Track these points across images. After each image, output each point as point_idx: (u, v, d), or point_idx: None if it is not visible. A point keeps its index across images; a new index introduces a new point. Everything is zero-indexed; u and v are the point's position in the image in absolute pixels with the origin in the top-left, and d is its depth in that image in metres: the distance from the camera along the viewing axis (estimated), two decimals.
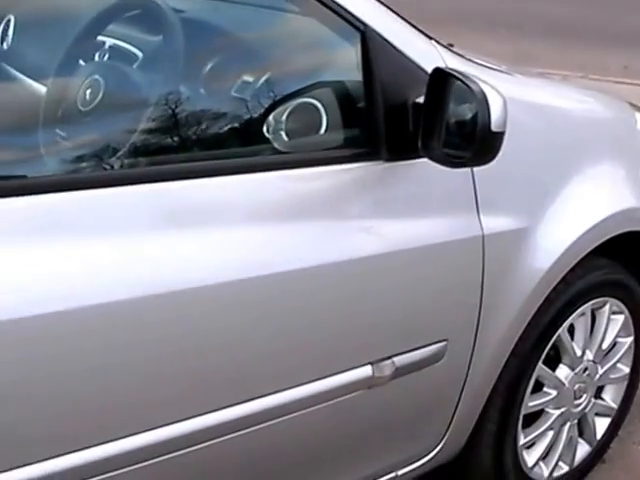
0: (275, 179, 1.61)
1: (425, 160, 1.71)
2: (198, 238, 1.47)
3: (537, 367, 2.14)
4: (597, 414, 2.44)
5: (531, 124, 2.01)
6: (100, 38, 1.98)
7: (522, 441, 2.21)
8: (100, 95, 1.79)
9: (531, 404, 2.19)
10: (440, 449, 2.04)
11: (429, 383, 1.89)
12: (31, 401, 1.32)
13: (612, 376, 2.41)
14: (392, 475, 1.98)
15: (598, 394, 2.43)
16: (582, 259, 2.12)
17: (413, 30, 1.78)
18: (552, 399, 2.23)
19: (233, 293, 1.50)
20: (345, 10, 1.65)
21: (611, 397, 2.46)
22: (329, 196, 1.66)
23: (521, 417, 2.18)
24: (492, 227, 1.87)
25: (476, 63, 1.98)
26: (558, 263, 2.01)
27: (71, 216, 1.37)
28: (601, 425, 2.46)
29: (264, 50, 1.92)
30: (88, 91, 1.83)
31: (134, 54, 1.94)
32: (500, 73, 2.09)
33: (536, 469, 2.30)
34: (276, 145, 1.71)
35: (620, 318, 2.33)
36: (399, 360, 1.77)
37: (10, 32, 2.32)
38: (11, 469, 1.31)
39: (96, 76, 1.84)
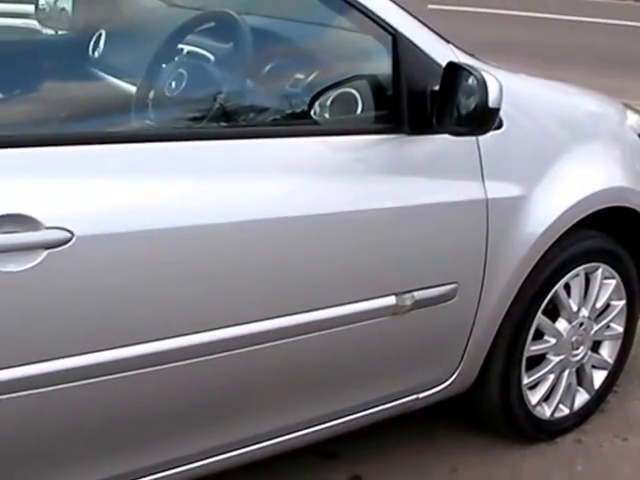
0: (320, 143, 2.09)
1: (439, 136, 2.18)
2: (264, 182, 1.96)
3: (537, 317, 2.56)
4: (595, 367, 2.84)
5: (530, 110, 2.47)
6: (180, 46, 2.49)
7: (525, 381, 2.63)
8: (184, 83, 2.30)
9: (532, 348, 2.60)
10: (454, 379, 2.47)
11: (443, 318, 2.33)
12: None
13: (607, 333, 2.82)
14: (414, 397, 2.43)
15: (596, 349, 2.84)
16: (576, 229, 2.56)
17: (433, 35, 2.25)
18: (551, 346, 2.65)
19: (286, 225, 1.97)
20: (381, 19, 2.13)
21: (607, 352, 2.86)
22: (363, 158, 2.13)
23: (524, 360, 2.60)
24: (495, 193, 2.31)
25: (486, 63, 2.45)
26: (551, 228, 2.44)
27: (175, 159, 1.86)
28: (598, 377, 2.87)
29: (314, 50, 2.41)
30: (174, 82, 2.34)
31: (208, 57, 2.44)
32: (506, 71, 2.55)
33: (539, 408, 2.71)
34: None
35: (612, 282, 2.74)
36: (418, 294, 2.22)
37: (101, 44, 2.84)
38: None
39: (180, 70, 2.35)
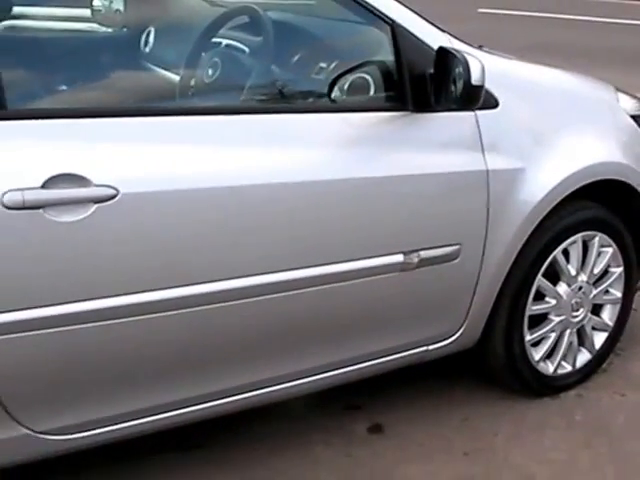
0: (338, 118, 2.42)
1: (442, 114, 2.49)
2: (289, 151, 2.29)
3: (537, 279, 2.84)
4: (595, 328, 3.11)
5: (526, 91, 2.77)
6: (214, 39, 2.83)
7: (528, 338, 2.91)
8: (219, 70, 2.64)
9: (534, 308, 2.89)
10: (461, 333, 2.76)
11: (448, 276, 2.62)
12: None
13: (606, 298, 3.09)
14: (424, 349, 2.73)
15: (597, 312, 3.11)
16: (573, 200, 2.84)
17: (429, 25, 2.55)
18: (552, 307, 2.92)
19: (308, 188, 2.30)
20: (378, 10, 2.44)
21: (608, 316, 3.13)
22: (374, 131, 2.44)
23: (526, 318, 2.88)
24: (495, 165, 2.60)
25: (482, 50, 2.75)
26: (547, 197, 2.72)
27: (211, 130, 2.21)
28: (599, 338, 3.14)
29: (331, 44, 2.74)
30: (210, 70, 2.68)
31: (239, 48, 2.78)
32: (501, 57, 2.86)
33: (542, 364, 2.99)
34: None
35: (609, 250, 3.02)
36: (424, 253, 2.52)
37: (151, 39, 3.20)
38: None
39: (215, 59, 2.69)
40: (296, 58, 2.69)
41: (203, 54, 2.80)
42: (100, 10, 3.63)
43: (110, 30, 3.49)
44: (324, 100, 2.52)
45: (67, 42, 3.15)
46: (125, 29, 3.39)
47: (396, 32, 2.44)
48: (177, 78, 2.75)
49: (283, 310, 2.36)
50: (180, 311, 2.17)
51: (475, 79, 2.33)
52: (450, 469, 2.67)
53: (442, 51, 2.40)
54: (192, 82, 2.69)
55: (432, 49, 2.44)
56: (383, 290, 2.51)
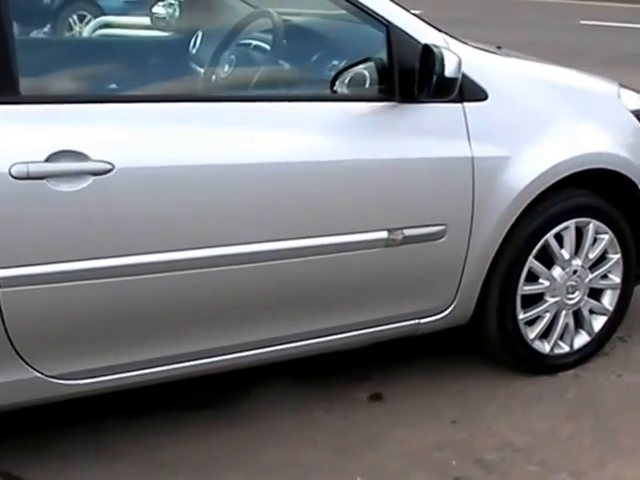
0: (338, 106, 2.70)
1: (429, 104, 2.73)
2: (293, 134, 2.57)
3: (528, 260, 3.03)
4: (595, 312, 3.27)
5: (518, 86, 2.97)
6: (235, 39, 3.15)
7: (521, 316, 3.09)
8: (233, 66, 2.95)
9: (526, 288, 3.07)
10: (453, 309, 2.97)
11: (436, 253, 2.84)
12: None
13: (604, 282, 3.25)
14: (415, 322, 2.95)
15: (597, 297, 3.27)
16: (566, 187, 3.02)
17: (424, 25, 2.79)
18: (545, 288, 3.10)
19: (301, 167, 2.58)
20: (375, 13, 2.70)
21: (608, 300, 3.29)
22: (368, 117, 2.70)
23: (518, 297, 3.06)
24: (480, 152, 2.82)
25: (478, 47, 2.97)
26: (533, 184, 2.91)
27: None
28: (598, 321, 3.29)
29: (338, 44, 3.01)
30: (226, 66, 3.00)
31: (255, 46, 3.08)
32: (495, 54, 3.07)
33: (538, 343, 3.17)
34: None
35: (605, 237, 3.18)
36: (408, 231, 2.76)
37: (198, 42, 3.54)
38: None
39: (231, 56, 3.00)
40: (303, 54, 2.98)
41: (224, 52, 3.11)
42: (164, 17, 4.00)
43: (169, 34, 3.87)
44: (325, 90, 2.78)
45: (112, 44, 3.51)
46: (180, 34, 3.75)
47: (390, 32, 2.69)
48: (201, 71, 3.07)
49: (277, 276, 2.63)
50: (173, 273, 2.46)
51: (449, 72, 2.56)
52: (435, 434, 2.88)
53: (425, 48, 2.63)
54: (210, 75, 3.01)
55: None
56: (370, 263, 2.75)
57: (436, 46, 2.61)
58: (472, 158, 2.81)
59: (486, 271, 2.96)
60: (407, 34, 2.71)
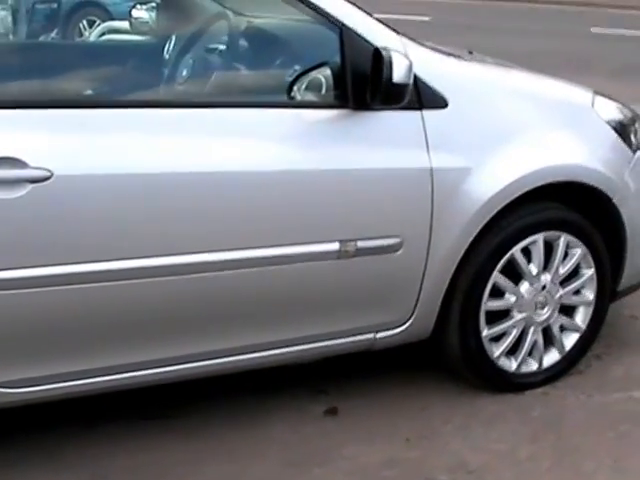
0: (291, 113, 2.62)
1: (386, 112, 2.64)
2: (243, 143, 2.50)
3: (493, 275, 2.93)
4: (566, 329, 3.16)
5: (481, 94, 2.87)
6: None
7: (485, 332, 2.99)
8: (190, 71, 2.90)
9: (490, 304, 2.97)
10: (411, 323, 2.88)
11: (391, 266, 2.75)
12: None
13: (576, 299, 3.14)
14: (371, 336, 2.87)
15: (570, 313, 3.16)
16: (534, 200, 2.92)
17: (382, 26, 2.70)
18: (512, 304, 3.00)
19: (248, 177, 2.51)
20: (328, 14, 2.61)
21: (581, 317, 3.18)
22: (322, 125, 2.62)
23: (482, 312, 2.96)
24: (439, 163, 2.72)
25: (442, 52, 2.88)
26: (495, 197, 2.81)
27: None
28: (570, 339, 3.18)
29: (297, 48, 2.93)
30: (185, 71, 2.94)
31: (212, 49, 3.02)
32: (461, 59, 2.97)
33: (504, 360, 3.07)
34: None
35: (578, 251, 3.07)
36: (361, 243, 2.67)
37: (171, 47, 3.48)
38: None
39: (190, 61, 2.95)
40: (259, 59, 2.91)
41: (184, 56, 3.05)
42: (147, 22, 3.97)
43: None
44: (281, 97, 2.68)
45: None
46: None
47: (344, 34, 2.60)
48: (157, 77, 3.01)
49: (223, 287, 2.56)
50: (109, 283, 2.40)
51: (397, 77, 2.47)
52: (387, 452, 2.79)
53: (375, 52, 2.54)
54: (167, 81, 2.95)
55: None
56: (321, 275, 2.68)
57: (386, 49, 2.52)
58: (431, 169, 2.72)
59: (447, 285, 2.87)
60: (361, 37, 2.62)
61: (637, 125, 3.29)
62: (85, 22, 5.48)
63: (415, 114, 2.70)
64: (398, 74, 2.47)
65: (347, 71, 2.60)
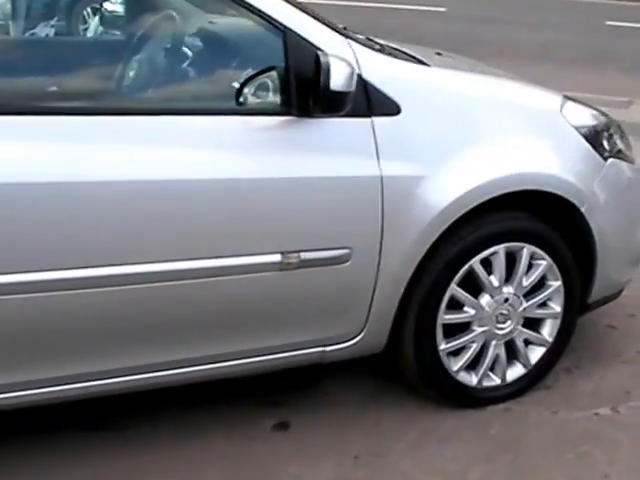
0: (240, 120, 2.51)
1: (334, 119, 2.52)
2: (183, 150, 2.40)
3: (450, 287, 2.81)
4: (532, 343, 3.04)
5: (437, 101, 2.74)
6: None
7: (442, 346, 2.87)
8: (135, 75, 2.80)
9: (448, 317, 2.85)
10: (363, 337, 2.76)
11: (339, 278, 2.63)
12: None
13: (541, 311, 3.01)
14: (320, 349, 2.76)
15: (535, 327, 3.04)
16: (495, 210, 2.79)
17: (328, 29, 2.58)
18: (471, 317, 2.88)
19: (188, 186, 2.41)
20: (270, 17, 2.50)
21: (547, 331, 3.05)
22: (267, 132, 2.51)
23: (438, 326, 2.84)
24: (390, 171, 2.60)
25: (399, 54, 2.75)
26: (450, 207, 2.68)
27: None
28: (536, 353, 3.06)
29: (246, 51, 2.81)
30: (130, 72, 2.83)
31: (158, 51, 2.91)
32: (416, 62, 2.84)
33: (463, 375, 2.95)
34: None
35: (543, 263, 2.94)
36: (304, 255, 2.56)
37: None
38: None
39: (135, 65, 2.85)
40: (205, 62, 2.79)
41: (132, 59, 2.95)
42: (122, 16, 3.85)
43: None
44: (227, 102, 2.57)
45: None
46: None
47: (287, 38, 2.49)
48: (106, 82, 2.91)
49: (159, 299, 2.47)
50: (53, 293, 2.32)
51: (334, 84, 2.35)
52: (333, 470, 2.69)
53: (316, 57, 2.42)
54: (113, 85, 2.84)
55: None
56: (263, 287, 2.57)
57: (324, 54, 2.40)
58: (381, 177, 2.60)
59: (400, 297, 2.76)
60: (306, 40, 2.50)
61: (612, 131, 3.14)
62: (89, 10, 5.39)
63: (364, 121, 2.59)
64: (336, 81, 2.35)
65: (291, 77, 2.49)
